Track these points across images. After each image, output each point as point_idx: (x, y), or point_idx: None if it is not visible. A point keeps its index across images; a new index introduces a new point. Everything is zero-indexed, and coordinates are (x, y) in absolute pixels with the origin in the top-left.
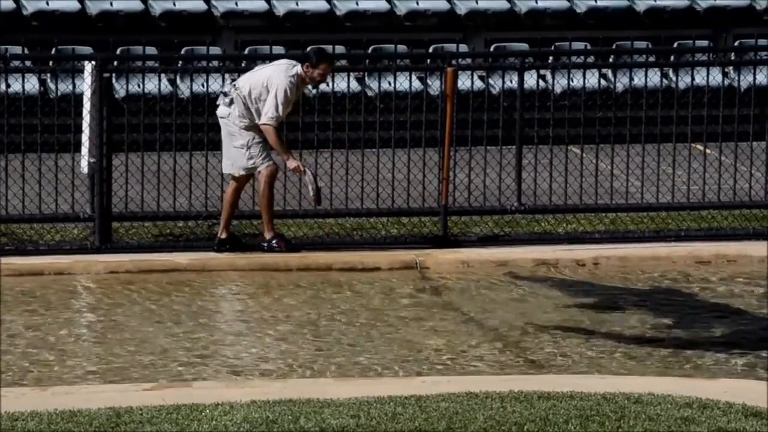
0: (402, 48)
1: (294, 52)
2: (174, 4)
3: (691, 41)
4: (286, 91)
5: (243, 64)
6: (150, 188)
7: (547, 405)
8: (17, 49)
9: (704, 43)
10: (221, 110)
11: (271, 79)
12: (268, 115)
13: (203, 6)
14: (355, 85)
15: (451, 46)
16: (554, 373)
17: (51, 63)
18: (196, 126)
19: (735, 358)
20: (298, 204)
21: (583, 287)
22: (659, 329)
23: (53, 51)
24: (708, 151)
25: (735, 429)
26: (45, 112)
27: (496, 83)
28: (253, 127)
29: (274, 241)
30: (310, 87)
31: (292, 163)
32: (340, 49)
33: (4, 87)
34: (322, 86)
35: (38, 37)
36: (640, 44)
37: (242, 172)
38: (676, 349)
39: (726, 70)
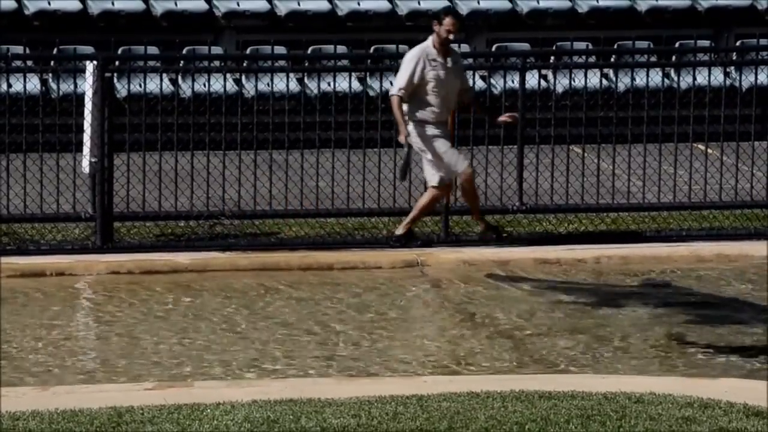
0: (404, 48)
1: (295, 53)
2: (175, 4)
3: (692, 41)
4: (407, 61)
5: (244, 64)
6: (151, 188)
7: (548, 404)
8: (19, 49)
9: (706, 43)
10: None
11: None
12: (392, 87)
13: (205, 6)
14: (356, 85)
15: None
16: (555, 373)
17: (52, 63)
18: (198, 126)
19: (736, 357)
20: (299, 204)
21: (584, 286)
22: (660, 328)
23: (55, 51)
24: (709, 150)
25: (736, 428)
26: (46, 111)
27: (498, 83)
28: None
29: (401, 235)
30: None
31: (400, 137)
32: (341, 49)
33: (5, 87)
34: (324, 86)
35: (40, 37)
36: (642, 44)
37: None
38: (676, 348)
39: (727, 69)
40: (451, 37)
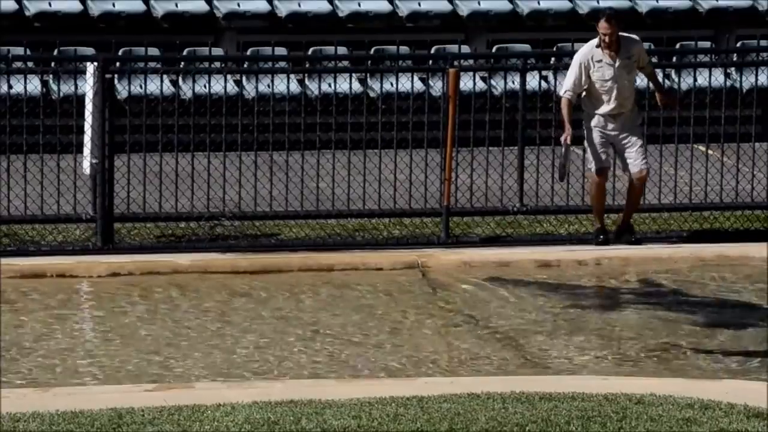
0: (404, 49)
1: (295, 54)
2: (176, 5)
3: (693, 42)
4: (573, 63)
5: (245, 65)
6: (152, 189)
7: (548, 406)
8: (19, 50)
9: (706, 44)
10: None
11: None
12: (562, 86)
13: (205, 7)
14: (357, 86)
15: (453, 47)
16: (556, 374)
17: (53, 64)
18: (198, 127)
19: (736, 359)
20: (300, 205)
21: (584, 288)
22: (661, 330)
23: (55, 52)
24: (710, 152)
25: (736, 430)
26: (47, 113)
27: (498, 84)
28: (589, 132)
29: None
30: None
31: (562, 136)
32: (342, 50)
33: (6, 88)
34: (324, 87)
35: (40, 38)
36: None
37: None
38: (677, 349)
39: (728, 71)
40: (607, 39)
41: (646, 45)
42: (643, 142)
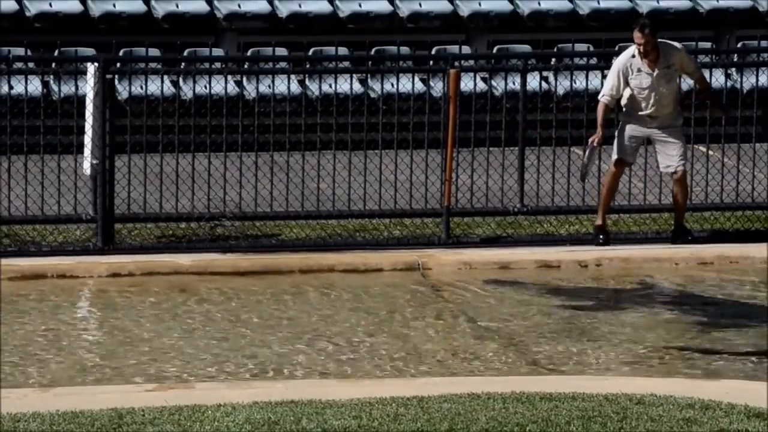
0: (405, 50)
1: (296, 55)
2: (177, 6)
3: (693, 43)
4: (612, 69)
5: (245, 66)
6: (152, 189)
7: (549, 406)
8: (20, 51)
9: (707, 44)
10: None
11: None
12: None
13: (206, 8)
14: (357, 87)
15: (453, 48)
16: (556, 374)
17: (54, 64)
18: (199, 127)
19: (736, 359)
20: (300, 205)
21: (585, 288)
22: (661, 330)
23: (56, 53)
24: (711, 152)
25: (737, 430)
26: (48, 113)
27: (499, 85)
28: (623, 124)
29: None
30: None
31: (592, 137)
32: (342, 50)
33: (6, 88)
34: (325, 87)
35: (41, 39)
36: None
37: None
38: (677, 350)
39: (728, 71)
40: (642, 49)
41: None
42: (682, 143)
